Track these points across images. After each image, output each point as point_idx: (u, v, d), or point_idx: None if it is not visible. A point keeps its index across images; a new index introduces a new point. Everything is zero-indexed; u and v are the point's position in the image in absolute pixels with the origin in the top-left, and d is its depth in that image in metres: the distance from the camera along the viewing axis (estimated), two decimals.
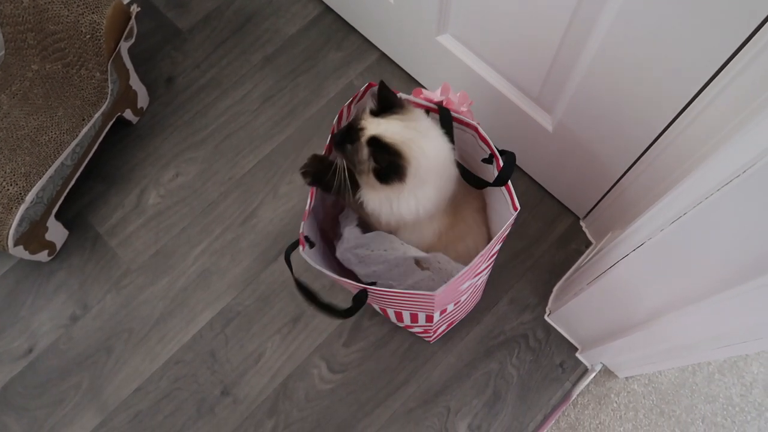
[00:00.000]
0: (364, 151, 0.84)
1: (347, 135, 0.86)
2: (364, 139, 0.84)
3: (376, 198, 0.89)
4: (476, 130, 0.89)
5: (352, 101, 0.91)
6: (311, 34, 1.43)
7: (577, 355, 1.16)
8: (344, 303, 1.19)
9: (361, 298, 0.84)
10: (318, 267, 0.83)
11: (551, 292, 1.19)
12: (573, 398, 1.16)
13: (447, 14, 1.07)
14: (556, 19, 0.85)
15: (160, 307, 1.21)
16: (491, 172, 0.91)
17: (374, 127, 0.85)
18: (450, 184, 0.91)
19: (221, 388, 1.15)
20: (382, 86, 0.86)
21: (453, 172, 0.90)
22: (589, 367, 1.16)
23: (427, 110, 0.92)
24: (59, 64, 1.18)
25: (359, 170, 0.86)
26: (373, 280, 0.99)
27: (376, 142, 0.83)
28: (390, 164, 0.83)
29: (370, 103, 0.89)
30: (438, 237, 0.97)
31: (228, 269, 1.23)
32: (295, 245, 0.87)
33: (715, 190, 0.60)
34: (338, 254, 0.99)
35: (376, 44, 1.40)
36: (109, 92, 1.19)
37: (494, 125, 1.24)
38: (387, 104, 0.86)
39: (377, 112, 0.87)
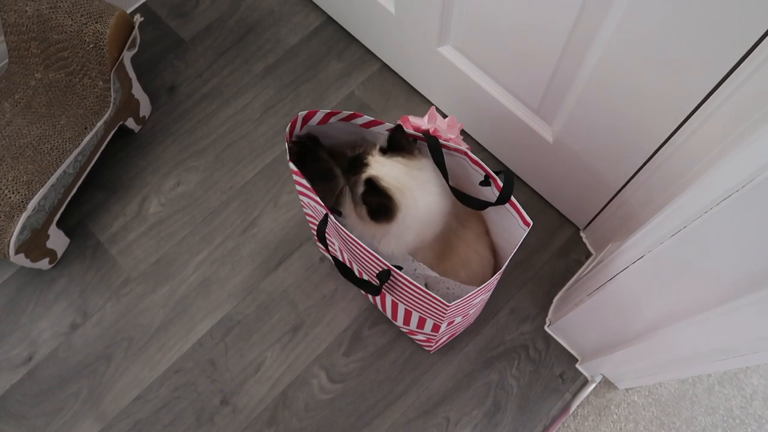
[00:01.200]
0: (361, 187, 0.87)
1: (353, 164, 0.88)
2: (364, 176, 0.87)
3: (360, 227, 0.92)
4: (467, 155, 0.89)
5: (292, 127, 0.91)
6: (312, 44, 1.44)
7: (577, 366, 1.16)
8: (338, 318, 1.20)
9: (383, 278, 0.85)
10: (346, 231, 0.83)
11: (551, 302, 1.20)
12: (573, 409, 1.16)
13: (448, 25, 1.08)
14: (556, 33, 0.86)
15: (161, 316, 1.21)
16: (490, 193, 0.91)
17: (377, 166, 0.87)
18: (429, 230, 0.93)
19: (221, 397, 1.14)
20: (399, 129, 0.88)
21: (437, 220, 0.92)
22: (589, 378, 1.15)
23: (415, 139, 0.92)
24: (62, 73, 1.19)
25: (354, 200, 0.89)
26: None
27: (371, 183, 0.86)
28: (379, 206, 0.86)
29: (381, 139, 0.91)
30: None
31: (228, 278, 1.23)
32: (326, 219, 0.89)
33: (715, 204, 0.60)
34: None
35: (377, 54, 1.41)
36: (112, 101, 1.20)
37: (495, 135, 1.25)
38: (397, 146, 0.88)
39: (385, 150, 0.88)
